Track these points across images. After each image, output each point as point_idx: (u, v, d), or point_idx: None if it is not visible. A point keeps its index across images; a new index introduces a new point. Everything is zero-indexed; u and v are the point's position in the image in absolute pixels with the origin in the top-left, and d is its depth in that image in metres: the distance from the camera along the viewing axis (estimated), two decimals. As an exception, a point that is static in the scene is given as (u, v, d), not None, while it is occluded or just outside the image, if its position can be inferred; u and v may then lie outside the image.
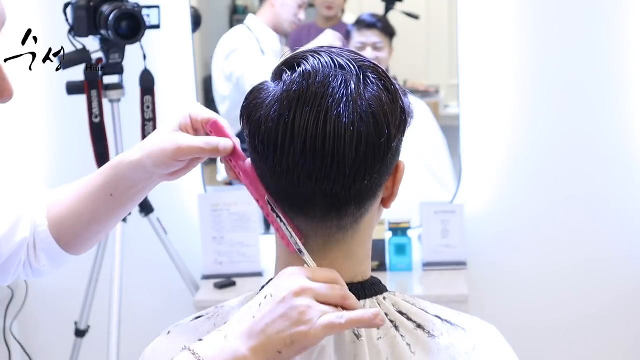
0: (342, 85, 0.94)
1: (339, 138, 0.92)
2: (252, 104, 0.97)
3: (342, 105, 0.92)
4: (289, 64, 0.97)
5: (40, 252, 1.21)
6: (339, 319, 0.88)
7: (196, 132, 1.04)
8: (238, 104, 1.02)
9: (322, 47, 1.00)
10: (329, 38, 2.96)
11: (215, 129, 1.03)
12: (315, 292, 0.89)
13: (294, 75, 0.95)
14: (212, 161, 3.14)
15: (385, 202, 1.01)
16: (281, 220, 0.96)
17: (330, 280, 0.92)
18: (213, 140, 1.02)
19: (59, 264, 1.25)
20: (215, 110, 3.10)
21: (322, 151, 0.92)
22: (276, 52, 3.03)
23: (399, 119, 0.96)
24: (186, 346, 0.90)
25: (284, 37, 3.06)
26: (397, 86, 0.98)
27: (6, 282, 1.24)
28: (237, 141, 1.02)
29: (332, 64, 0.95)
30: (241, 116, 0.99)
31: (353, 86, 0.94)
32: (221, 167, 3.08)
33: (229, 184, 3.11)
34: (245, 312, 0.91)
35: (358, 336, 0.93)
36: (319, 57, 0.96)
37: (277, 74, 0.98)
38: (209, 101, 3.08)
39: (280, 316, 0.88)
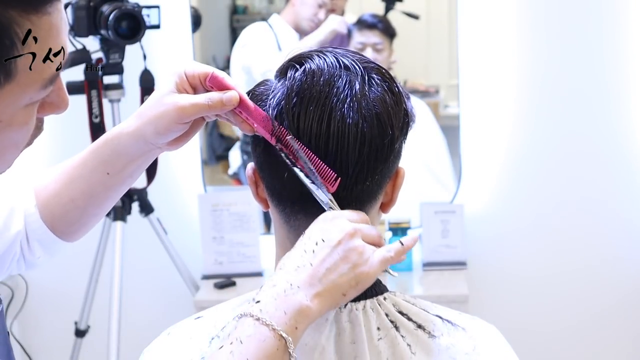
0: (347, 86, 0.93)
1: (343, 138, 0.92)
2: (256, 101, 0.97)
3: (346, 106, 0.92)
4: (294, 62, 0.97)
5: (34, 243, 1.14)
6: (389, 253, 0.91)
7: (195, 90, 0.98)
8: None
9: (326, 47, 1.00)
10: (334, 21, 2.97)
11: (215, 83, 0.96)
12: (363, 232, 0.90)
13: (298, 74, 0.95)
14: (213, 161, 3.15)
15: (384, 207, 1.01)
16: (304, 163, 0.92)
17: (364, 221, 0.93)
18: (215, 95, 0.95)
19: (54, 252, 1.17)
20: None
21: (325, 151, 0.92)
22: None
23: (402, 121, 0.96)
24: (245, 312, 0.86)
25: (305, 36, 3.07)
26: (400, 88, 0.98)
27: None
28: (241, 90, 0.96)
29: (337, 64, 0.95)
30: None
31: (357, 87, 0.94)
32: (232, 161, 3.12)
33: (238, 180, 3.11)
34: (298, 261, 0.88)
35: (392, 274, 0.96)
36: (324, 56, 0.96)
37: (282, 72, 0.98)
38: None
39: (342, 259, 0.88)
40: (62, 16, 0.78)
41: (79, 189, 1.09)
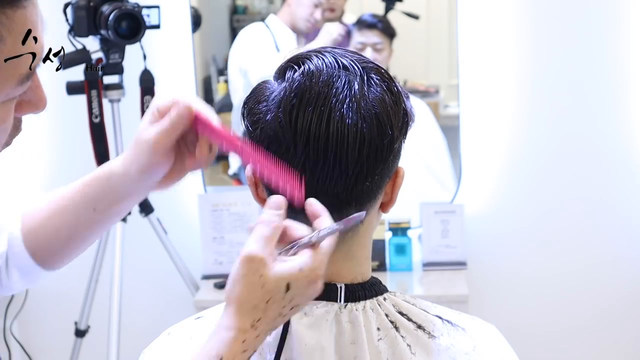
0: (346, 86, 0.93)
1: (342, 139, 0.92)
2: (254, 102, 0.97)
3: (345, 106, 0.92)
4: (293, 63, 0.97)
5: (12, 268, 1.12)
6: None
7: None
8: None
9: (325, 47, 0.99)
10: (333, 31, 2.98)
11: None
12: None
13: (296, 75, 0.95)
14: (213, 161, 3.15)
15: (384, 207, 1.01)
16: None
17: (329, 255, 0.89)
18: (172, 112, 0.95)
19: (32, 281, 1.15)
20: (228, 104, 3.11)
21: (325, 152, 0.92)
22: None
23: (402, 120, 0.96)
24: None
25: (302, 36, 3.07)
26: (400, 88, 0.98)
27: None
28: (209, 113, 0.97)
29: (335, 64, 0.95)
30: (242, 113, 0.99)
31: (357, 87, 0.93)
32: (232, 162, 3.12)
33: (238, 180, 3.11)
34: (256, 314, 0.85)
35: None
36: (323, 57, 0.96)
37: (280, 73, 0.98)
38: (209, 101, 3.08)
39: (293, 308, 0.87)
40: (38, 11, 0.78)
41: (65, 220, 1.08)
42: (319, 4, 3.02)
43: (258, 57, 2.99)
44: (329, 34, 2.98)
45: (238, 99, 3.02)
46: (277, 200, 0.88)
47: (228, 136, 0.95)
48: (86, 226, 1.09)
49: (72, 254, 1.14)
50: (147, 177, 1.00)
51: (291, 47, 3.04)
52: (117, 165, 1.03)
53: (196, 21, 2.84)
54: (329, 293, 0.97)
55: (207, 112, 0.97)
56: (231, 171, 3.14)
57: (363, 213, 0.89)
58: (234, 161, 3.14)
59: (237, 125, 3.09)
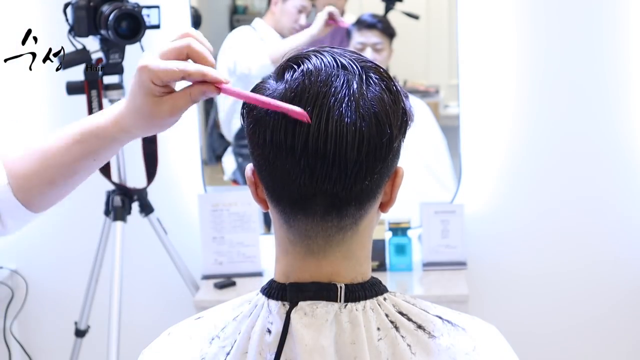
0: (344, 85, 0.93)
1: (341, 138, 0.91)
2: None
3: (344, 105, 0.92)
4: (292, 63, 0.97)
5: (6, 218, 1.15)
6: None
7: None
8: (239, 100, 1.01)
9: (324, 47, 0.99)
10: (321, 19, 2.95)
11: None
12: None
13: (295, 74, 0.95)
14: (213, 161, 3.15)
15: (384, 207, 1.01)
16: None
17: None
18: (195, 91, 0.99)
19: (26, 222, 1.19)
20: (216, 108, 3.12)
21: (324, 151, 0.91)
22: None
23: (401, 119, 0.96)
24: None
25: None
26: (399, 87, 0.97)
27: None
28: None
29: (334, 63, 0.95)
30: (242, 114, 0.99)
31: (355, 86, 0.93)
32: (227, 167, 3.12)
33: (235, 182, 3.11)
34: None
35: None
36: (322, 56, 0.96)
37: (279, 73, 0.97)
38: (209, 101, 3.08)
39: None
40: None
41: (60, 173, 1.10)
42: (303, 9, 3.02)
43: (245, 50, 2.99)
44: (318, 24, 2.94)
45: (227, 106, 3.02)
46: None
47: (250, 98, 0.95)
48: (84, 174, 1.12)
49: (65, 196, 1.18)
50: (144, 130, 1.03)
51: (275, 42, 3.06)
52: (116, 127, 1.03)
53: (196, 21, 2.84)
54: (328, 293, 0.97)
55: (224, 78, 0.99)
56: (226, 177, 3.13)
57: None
58: (228, 167, 3.13)
59: (225, 128, 3.10)
